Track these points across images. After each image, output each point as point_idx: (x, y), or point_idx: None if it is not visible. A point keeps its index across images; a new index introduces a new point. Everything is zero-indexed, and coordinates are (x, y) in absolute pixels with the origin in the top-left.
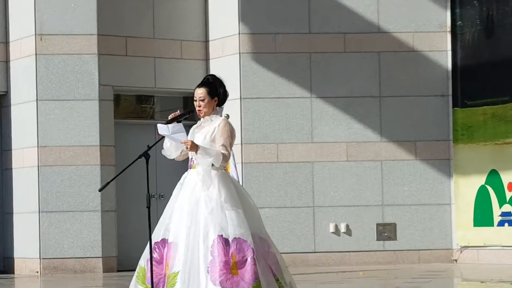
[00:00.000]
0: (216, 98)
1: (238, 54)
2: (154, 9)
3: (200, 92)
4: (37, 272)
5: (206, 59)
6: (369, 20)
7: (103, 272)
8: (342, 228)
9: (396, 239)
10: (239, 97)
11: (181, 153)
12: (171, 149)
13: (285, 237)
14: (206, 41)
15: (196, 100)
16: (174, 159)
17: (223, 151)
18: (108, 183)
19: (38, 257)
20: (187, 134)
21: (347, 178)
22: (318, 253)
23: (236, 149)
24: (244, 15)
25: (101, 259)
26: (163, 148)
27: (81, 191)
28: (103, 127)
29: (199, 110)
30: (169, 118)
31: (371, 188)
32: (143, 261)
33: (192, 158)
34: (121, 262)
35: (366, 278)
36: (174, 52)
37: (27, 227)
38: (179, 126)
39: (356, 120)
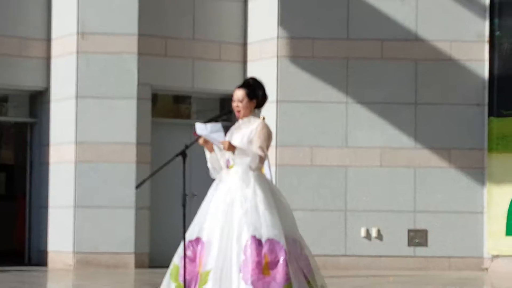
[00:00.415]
0: (254, 100)
1: (276, 58)
2: (194, 11)
3: (239, 94)
4: (70, 265)
5: (244, 62)
6: (407, 27)
7: (135, 268)
8: (374, 233)
9: (427, 246)
10: (275, 100)
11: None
12: (215, 167)
13: (317, 239)
14: (245, 44)
15: (234, 101)
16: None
17: (259, 153)
18: (145, 180)
19: (72, 251)
20: (225, 135)
21: (380, 183)
22: (349, 257)
23: (271, 151)
24: (283, 19)
25: (133, 255)
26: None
27: (116, 188)
28: (140, 126)
29: (237, 111)
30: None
31: (404, 194)
32: (177, 259)
33: (228, 158)
34: (153, 258)
35: (395, 283)
36: (213, 54)
37: (62, 221)
38: (218, 125)
39: (391, 126)
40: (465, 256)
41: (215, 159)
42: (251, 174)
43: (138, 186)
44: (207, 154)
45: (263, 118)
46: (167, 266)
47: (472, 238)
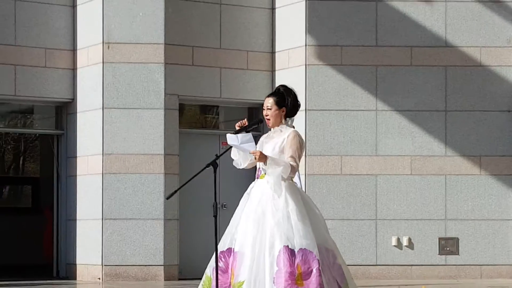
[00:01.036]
0: (284, 108)
1: (304, 66)
2: (221, 20)
3: (268, 101)
4: (99, 278)
5: (272, 70)
6: (436, 33)
7: (165, 280)
8: (404, 242)
9: (458, 254)
10: (304, 108)
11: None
12: (240, 160)
13: (347, 249)
14: (273, 52)
15: (264, 109)
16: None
17: (291, 163)
18: (176, 191)
19: (101, 263)
20: (256, 144)
21: (410, 191)
22: (380, 266)
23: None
24: (311, 27)
25: (163, 267)
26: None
27: (144, 199)
28: (167, 136)
29: (267, 120)
30: (236, 127)
31: (435, 202)
32: (209, 270)
33: (260, 168)
34: (183, 270)
35: None
36: (240, 63)
37: (90, 234)
38: (249, 136)
39: (421, 134)
40: (496, 264)
41: (240, 156)
42: (282, 184)
43: (169, 197)
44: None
45: (293, 127)
46: (196, 278)
47: (504, 246)
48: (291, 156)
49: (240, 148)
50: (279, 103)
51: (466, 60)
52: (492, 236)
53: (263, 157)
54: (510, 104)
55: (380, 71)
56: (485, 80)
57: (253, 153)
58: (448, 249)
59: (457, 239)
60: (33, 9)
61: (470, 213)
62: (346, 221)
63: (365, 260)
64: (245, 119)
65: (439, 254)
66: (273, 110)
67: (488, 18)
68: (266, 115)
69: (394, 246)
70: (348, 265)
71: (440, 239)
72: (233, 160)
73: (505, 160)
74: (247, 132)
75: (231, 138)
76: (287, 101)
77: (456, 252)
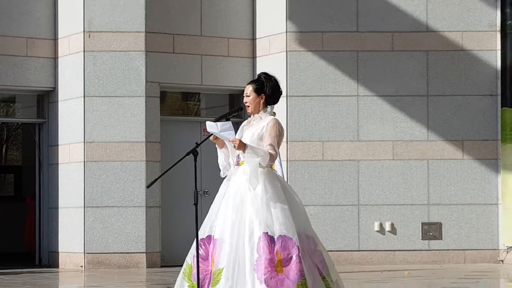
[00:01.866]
0: (262, 95)
1: (285, 52)
2: (201, 7)
3: (247, 89)
4: (82, 266)
5: (253, 57)
6: (417, 18)
7: (147, 267)
8: (387, 227)
9: (441, 239)
10: (285, 95)
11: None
12: (225, 164)
13: (330, 235)
14: (253, 39)
15: (244, 96)
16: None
17: (270, 151)
18: (156, 179)
19: (83, 251)
20: (236, 132)
21: (393, 176)
22: (363, 252)
23: (282, 146)
24: (292, 13)
25: (145, 254)
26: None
27: (126, 187)
28: (149, 124)
29: (247, 107)
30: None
31: (417, 187)
32: (190, 258)
33: (238, 155)
34: (165, 257)
35: (411, 277)
36: (221, 50)
37: (72, 222)
38: (228, 124)
39: (403, 119)
40: (480, 249)
41: (225, 155)
42: (261, 171)
43: (149, 185)
44: (219, 151)
45: (273, 114)
46: (178, 265)
47: (487, 230)
48: (270, 144)
49: (220, 136)
50: (257, 90)
51: (447, 45)
52: (475, 220)
53: (242, 145)
54: (492, 88)
55: (361, 57)
56: (467, 65)
57: (232, 141)
58: (431, 234)
59: (440, 224)
60: None
61: (453, 198)
62: (329, 207)
63: (348, 246)
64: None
65: (422, 239)
66: (252, 97)
67: (469, 3)
68: (246, 102)
69: (377, 231)
70: (330, 251)
71: (423, 224)
72: (220, 165)
73: (488, 144)
74: (227, 119)
75: (210, 126)
76: (266, 89)
77: (439, 237)
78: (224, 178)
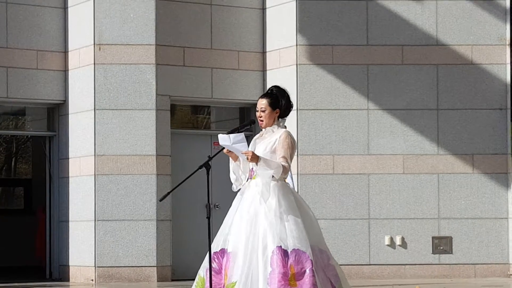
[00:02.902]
0: (277, 110)
1: (295, 65)
2: (212, 20)
3: (262, 103)
4: (92, 280)
5: (263, 70)
6: (427, 32)
7: (158, 281)
8: (398, 241)
9: (452, 253)
10: (295, 108)
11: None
12: (238, 178)
13: (340, 248)
14: (264, 52)
15: (258, 111)
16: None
17: (283, 163)
18: (169, 193)
19: (93, 265)
20: (248, 145)
21: (403, 190)
22: (373, 266)
23: (292, 160)
24: (302, 27)
25: (155, 268)
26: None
27: (137, 200)
28: (159, 137)
29: (260, 121)
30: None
31: (427, 201)
32: (202, 271)
33: (252, 168)
34: (176, 271)
35: None
36: (231, 63)
37: (82, 235)
38: (241, 136)
39: (413, 133)
40: (490, 263)
41: (238, 168)
42: (275, 184)
43: (162, 199)
44: (231, 163)
45: (285, 127)
46: (189, 279)
47: (497, 244)
48: (283, 157)
49: (232, 149)
50: (273, 105)
51: (457, 59)
52: (486, 234)
53: (255, 158)
54: (502, 102)
55: (371, 70)
56: (477, 78)
57: (245, 153)
58: (441, 248)
59: (451, 238)
60: (24, 11)
61: (463, 212)
62: (339, 221)
63: (358, 260)
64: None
65: (432, 253)
66: (267, 111)
67: (479, 16)
68: (260, 117)
69: (387, 245)
70: (341, 264)
71: (433, 238)
72: (232, 178)
73: (498, 158)
74: (239, 132)
75: (223, 139)
76: (281, 103)
77: (449, 251)
78: (236, 192)
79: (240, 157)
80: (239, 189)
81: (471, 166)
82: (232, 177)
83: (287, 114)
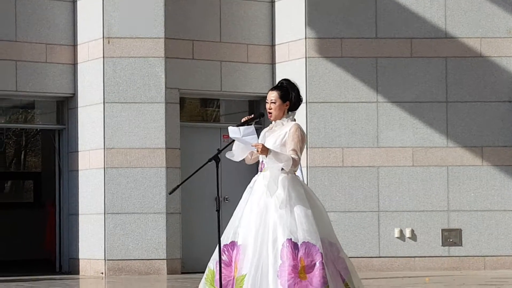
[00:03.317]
0: (287, 103)
1: (305, 58)
2: (221, 13)
3: (272, 95)
4: (102, 273)
5: (272, 63)
6: (436, 25)
7: (167, 274)
8: (407, 233)
9: (461, 245)
10: (305, 101)
11: (251, 156)
12: (237, 152)
13: (350, 241)
14: (273, 45)
15: (268, 103)
16: (243, 161)
17: (293, 156)
18: (178, 185)
19: (103, 258)
20: (258, 137)
21: (412, 183)
22: (383, 258)
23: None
24: (311, 20)
25: (165, 261)
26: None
27: (146, 193)
28: (169, 130)
29: (269, 113)
30: (242, 121)
31: (437, 194)
32: (212, 264)
33: (262, 161)
34: (185, 264)
35: (431, 284)
36: (240, 56)
37: (92, 229)
38: (251, 128)
39: (423, 125)
40: (500, 255)
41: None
42: (285, 177)
43: (171, 192)
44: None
45: (294, 120)
46: (199, 272)
47: (507, 236)
48: (293, 149)
49: (242, 141)
50: (283, 97)
51: (466, 51)
52: (495, 227)
53: (265, 150)
54: (511, 94)
55: (380, 63)
56: (486, 71)
57: (255, 145)
58: (451, 240)
59: (460, 230)
60: (33, 4)
61: (472, 204)
62: (349, 213)
63: (368, 252)
64: (253, 115)
65: (442, 245)
66: (277, 104)
67: (487, 9)
68: (270, 109)
69: (397, 238)
70: (350, 257)
71: (443, 230)
72: (229, 152)
73: (507, 151)
74: (249, 125)
75: (233, 131)
76: (291, 96)
77: (459, 243)
78: (246, 184)
79: (244, 150)
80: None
81: (480, 158)
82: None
83: (297, 108)
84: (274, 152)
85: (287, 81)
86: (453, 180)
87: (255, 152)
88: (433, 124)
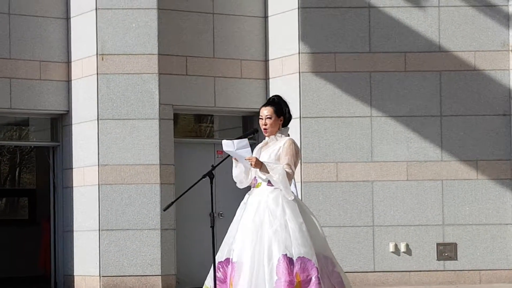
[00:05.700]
0: (282, 118)
1: (298, 73)
2: (214, 29)
3: (266, 111)
4: None
5: (266, 78)
6: (430, 39)
7: None
8: (402, 248)
9: (456, 259)
10: (298, 116)
11: (247, 175)
12: (240, 177)
13: (345, 256)
14: (266, 60)
15: (262, 119)
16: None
17: (287, 170)
18: (173, 202)
19: (98, 274)
20: (252, 153)
21: (407, 197)
22: (378, 273)
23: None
24: (304, 35)
25: (160, 277)
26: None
27: (141, 210)
28: (163, 146)
29: (265, 129)
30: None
31: (432, 208)
32: (209, 281)
33: (255, 177)
34: (180, 280)
35: None
36: (234, 71)
37: (87, 245)
38: (245, 142)
39: (417, 139)
40: (495, 269)
41: (241, 169)
42: (279, 193)
43: (166, 208)
44: (234, 163)
45: (288, 135)
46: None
47: (502, 250)
48: (287, 164)
49: (235, 155)
50: (277, 112)
51: (460, 65)
52: (491, 240)
53: (258, 163)
54: (505, 108)
55: (374, 78)
56: (480, 84)
57: (248, 159)
58: (446, 254)
59: (455, 244)
60: (27, 22)
61: (467, 218)
62: (343, 228)
63: (363, 267)
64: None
65: (437, 259)
66: (273, 119)
67: (481, 22)
68: (265, 124)
69: (392, 252)
70: (346, 272)
71: (438, 244)
72: (235, 175)
73: (502, 164)
74: (242, 138)
75: (226, 144)
76: (284, 111)
77: (454, 257)
78: (239, 200)
79: (243, 164)
80: (243, 199)
81: (475, 172)
82: (236, 177)
83: (288, 123)
84: (267, 164)
85: (278, 97)
86: (447, 194)
87: (248, 165)
88: (427, 138)
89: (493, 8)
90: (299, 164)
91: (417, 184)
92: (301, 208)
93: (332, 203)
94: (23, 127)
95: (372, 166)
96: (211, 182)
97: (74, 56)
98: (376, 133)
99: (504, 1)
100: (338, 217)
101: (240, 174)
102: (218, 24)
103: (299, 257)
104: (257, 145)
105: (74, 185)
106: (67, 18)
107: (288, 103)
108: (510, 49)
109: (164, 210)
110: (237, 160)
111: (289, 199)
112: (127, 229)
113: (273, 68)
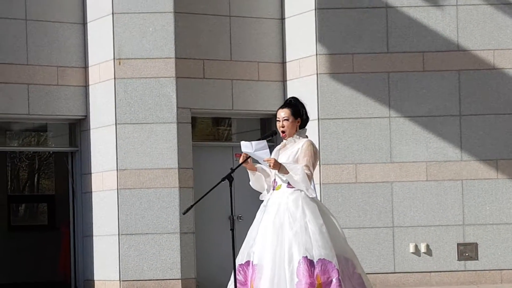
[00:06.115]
0: (299, 119)
1: (316, 75)
2: (231, 31)
3: (284, 113)
4: None
5: (284, 80)
6: (448, 38)
7: None
8: (422, 248)
9: (477, 259)
10: (317, 117)
11: (265, 177)
12: (257, 188)
13: (365, 257)
14: (283, 62)
15: (279, 121)
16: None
17: (306, 171)
18: (192, 206)
19: (118, 279)
20: (270, 155)
21: (427, 197)
22: (398, 274)
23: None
24: (321, 36)
25: (180, 280)
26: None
27: (160, 214)
28: (181, 150)
29: (282, 132)
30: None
31: (452, 208)
32: (231, 285)
33: (275, 179)
34: (200, 284)
35: None
36: (251, 74)
37: (107, 250)
38: (263, 143)
39: (436, 139)
40: None
41: (258, 178)
42: (298, 194)
43: (185, 212)
44: (250, 174)
45: (306, 136)
46: None
47: None
48: (306, 165)
49: (254, 156)
50: (295, 114)
51: (479, 64)
52: (511, 240)
53: (277, 165)
54: None
55: (392, 78)
56: (499, 83)
57: (267, 160)
58: (467, 254)
59: (476, 244)
60: (44, 28)
61: (488, 218)
62: (363, 230)
63: (383, 268)
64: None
65: (458, 260)
66: (290, 121)
67: (500, 20)
68: (283, 126)
69: (412, 253)
70: (366, 273)
71: (458, 244)
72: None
73: None
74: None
75: (245, 146)
76: (302, 112)
77: (475, 257)
78: (259, 202)
79: (259, 167)
80: (263, 200)
81: (495, 171)
82: (256, 187)
83: (305, 125)
84: (287, 165)
85: (295, 99)
86: (468, 194)
87: (267, 166)
88: (446, 138)
89: (511, 6)
90: (317, 166)
91: (437, 184)
92: (321, 209)
93: (351, 205)
94: (41, 133)
95: (391, 167)
96: (230, 185)
97: (91, 61)
98: (395, 134)
99: None
100: (357, 218)
101: (257, 185)
102: (235, 26)
103: (319, 259)
104: (275, 147)
105: (93, 190)
106: (84, 23)
107: (305, 104)
108: None
109: (184, 214)
110: (254, 170)
111: (311, 196)
112: (147, 233)
113: (291, 70)
